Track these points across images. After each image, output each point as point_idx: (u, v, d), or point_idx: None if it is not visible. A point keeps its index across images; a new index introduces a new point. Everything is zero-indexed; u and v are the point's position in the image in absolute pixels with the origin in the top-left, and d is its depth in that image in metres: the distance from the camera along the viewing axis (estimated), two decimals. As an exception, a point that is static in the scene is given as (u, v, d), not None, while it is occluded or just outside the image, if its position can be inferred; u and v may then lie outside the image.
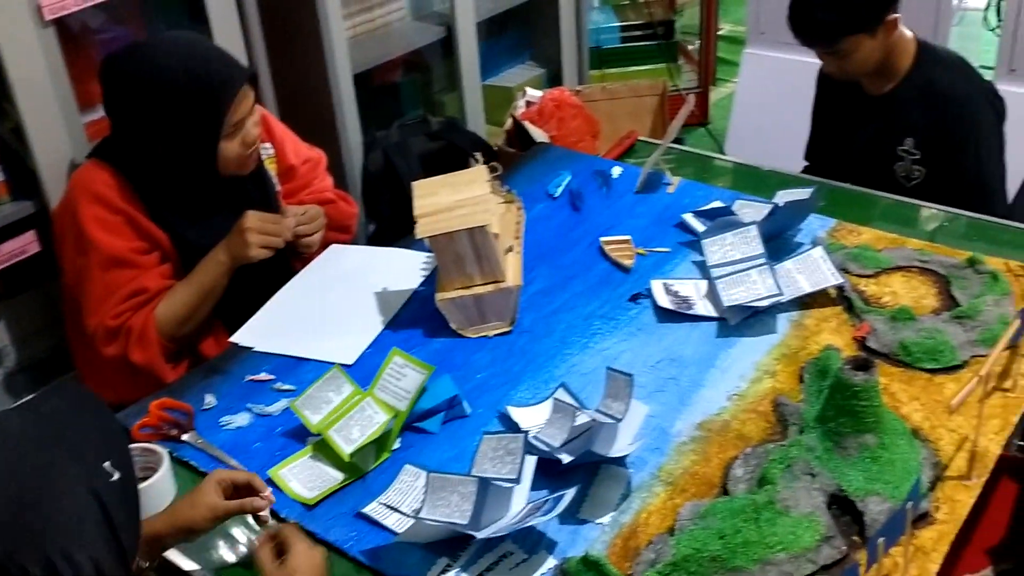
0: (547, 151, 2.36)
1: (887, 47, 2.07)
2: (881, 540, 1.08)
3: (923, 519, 1.27)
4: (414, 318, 1.77)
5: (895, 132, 2.13)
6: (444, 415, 1.50)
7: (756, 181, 2.19)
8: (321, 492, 1.38)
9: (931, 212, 2.02)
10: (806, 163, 2.46)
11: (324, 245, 1.96)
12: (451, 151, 2.90)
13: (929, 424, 1.43)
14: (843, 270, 1.76)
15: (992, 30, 3.31)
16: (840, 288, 1.71)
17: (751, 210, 1.90)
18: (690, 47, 3.97)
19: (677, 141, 3.12)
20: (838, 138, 2.30)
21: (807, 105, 2.42)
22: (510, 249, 1.76)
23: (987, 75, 2.92)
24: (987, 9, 3.50)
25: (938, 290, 1.72)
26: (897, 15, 2.03)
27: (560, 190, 2.13)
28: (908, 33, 2.10)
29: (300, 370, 1.66)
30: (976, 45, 3.49)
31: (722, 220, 1.84)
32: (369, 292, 1.83)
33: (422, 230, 1.63)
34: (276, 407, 1.57)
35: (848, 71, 2.13)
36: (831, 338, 1.62)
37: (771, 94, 3.24)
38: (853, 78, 2.16)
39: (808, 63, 3.11)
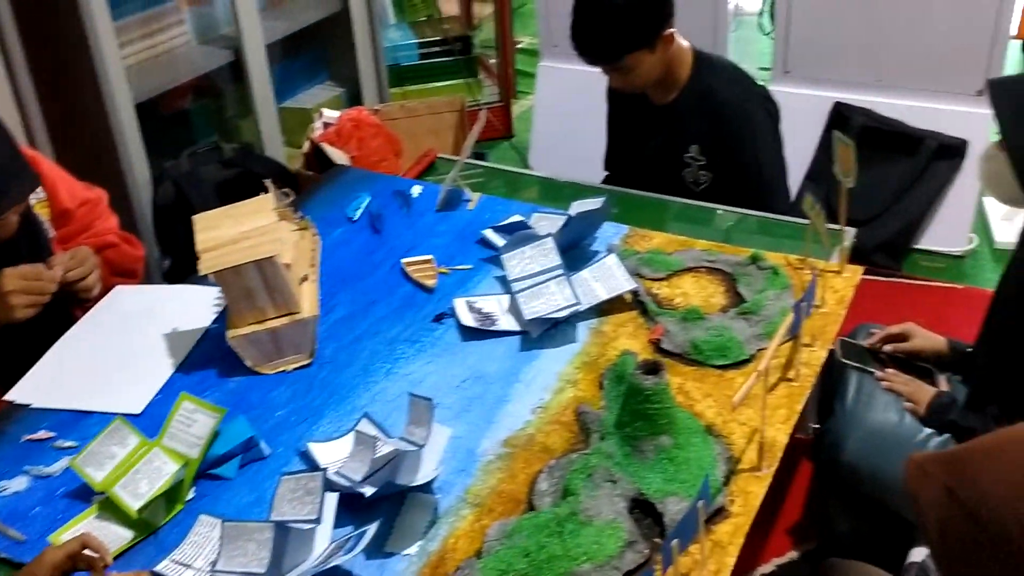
0: (345, 173, 2.32)
1: (667, 59, 2.14)
2: (675, 542, 1.10)
3: (719, 514, 1.31)
4: (207, 358, 1.68)
5: (680, 140, 2.20)
6: (240, 459, 1.44)
7: (556, 193, 2.23)
8: (110, 553, 1.29)
9: (718, 213, 2.10)
10: (606, 172, 2.52)
11: (108, 290, 1.85)
12: (247, 178, 2.80)
13: (722, 419, 1.48)
14: (636, 275, 1.80)
15: (767, 34, 3.50)
16: (635, 293, 1.75)
17: (547, 222, 1.93)
18: (491, 61, 4.01)
19: (479, 156, 3.15)
20: (630, 147, 2.37)
21: (603, 115, 2.47)
22: (305, 278, 1.71)
23: (765, 76, 3.10)
24: (761, 14, 3.70)
25: (725, 288, 1.79)
26: (673, 29, 2.09)
27: (359, 213, 2.10)
28: (685, 43, 2.18)
29: (83, 425, 1.55)
30: (754, 49, 3.68)
31: (520, 234, 1.85)
32: (157, 334, 1.74)
33: (206, 266, 1.55)
34: (57, 467, 1.46)
35: (633, 84, 2.18)
36: (628, 343, 1.66)
37: (568, 105, 3.30)
38: (639, 90, 2.22)
39: (601, 74, 3.20)
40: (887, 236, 2.82)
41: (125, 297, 1.86)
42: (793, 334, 1.50)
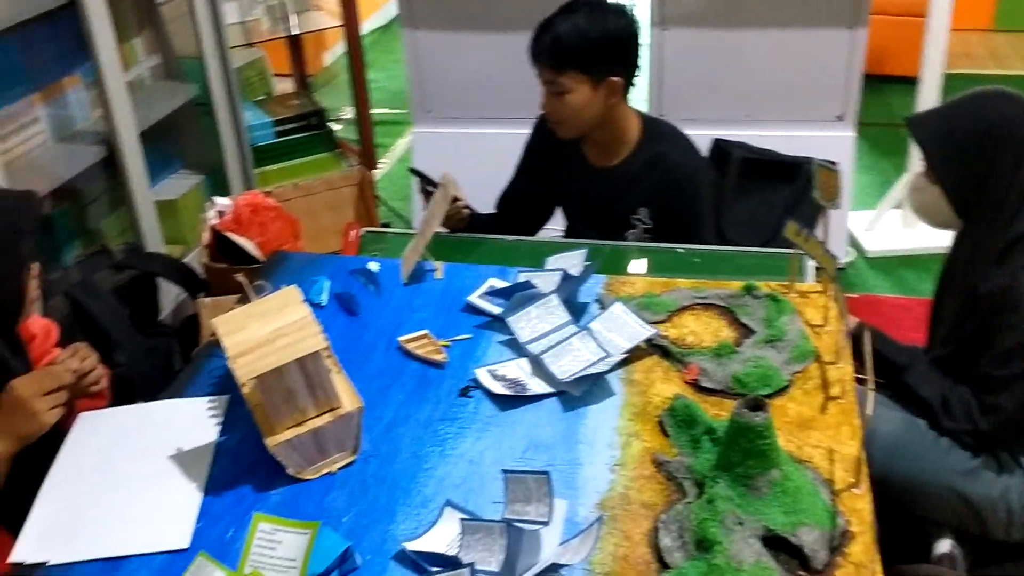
0: (286, 259, 2.18)
1: (608, 114, 2.17)
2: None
3: (845, 536, 1.33)
4: (232, 475, 1.52)
5: (630, 202, 2.25)
6: (337, 574, 1.30)
7: (504, 253, 2.21)
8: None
9: (670, 251, 2.16)
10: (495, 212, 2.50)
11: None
12: (142, 280, 2.59)
13: (795, 446, 1.50)
14: (640, 320, 1.81)
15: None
16: (648, 338, 1.76)
17: (539, 281, 1.90)
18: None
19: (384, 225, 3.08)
20: (569, 206, 2.40)
21: (480, 171, 2.47)
22: (329, 370, 1.59)
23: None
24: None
25: (728, 321, 1.84)
26: (619, 80, 2.14)
27: (325, 297, 1.98)
28: (632, 109, 2.24)
29: (123, 572, 1.35)
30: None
31: (520, 295, 1.81)
32: (161, 458, 1.55)
33: (244, 372, 1.41)
34: (118, 627, 1.26)
35: (560, 115, 2.18)
36: (666, 386, 1.66)
37: (445, 166, 3.30)
38: (562, 129, 2.22)
39: (473, 133, 3.23)
40: (778, 258, 2.99)
41: (97, 424, 1.65)
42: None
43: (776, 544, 1.32)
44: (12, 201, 1.51)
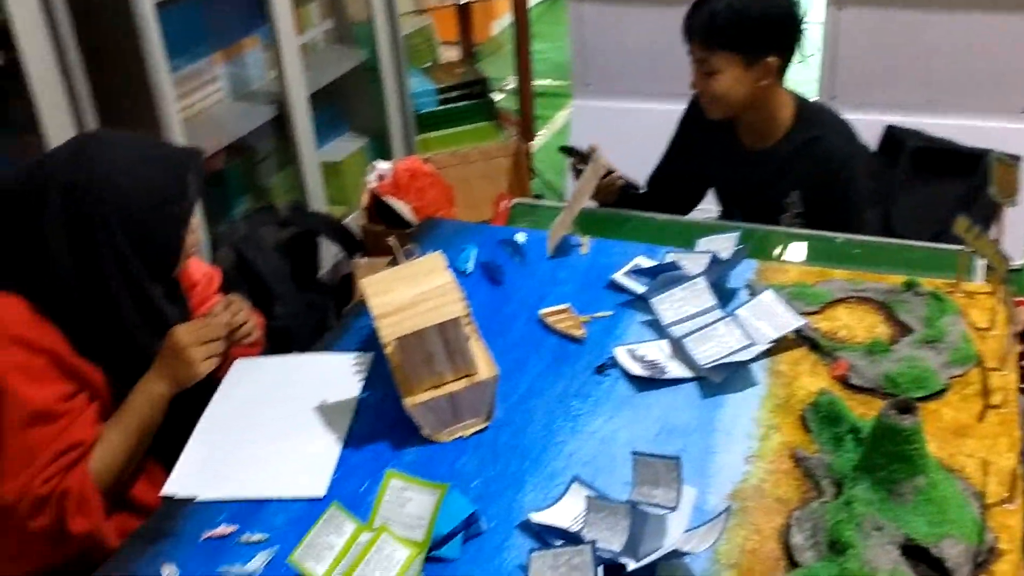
0: (437, 225, 2.22)
1: (760, 96, 2.11)
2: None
3: (992, 553, 1.25)
4: (371, 431, 1.57)
5: (781, 185, 2.18)
6: (462, 536, 1.33)
7: (654, 232, 2.18)
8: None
9: (827, 240, 2.07)
10: (644, 190, 2.46)
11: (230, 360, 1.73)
12: (304, 237, 2.70)
13: (947, 453, 1.42)
14: (790, 310, 1.75)
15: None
16: (797, 329, 1.70)
17: (687, 262, 1.86)
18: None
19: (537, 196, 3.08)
20: (718, 186, 2.35)
21: (637, 147, 2.43)
22: (467, 337, 1.61)
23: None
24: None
25: (884, 317, 1.75)
26: (774, 62, 2.07)
27: (471, 265, 2.00)
28: (787, 92, 2.17)
29: (264, 513, 1.41)
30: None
31: (666, 276, 1.78)
32: (306, 408, 1.62)
33: (388, 332, 1.45)
34: (255, 565, 1.32)
35: (709, 93, 2.13)
36: (812, 380, 1.60)
37: (603, 141, 3.27)
38: (711, 108, 2.17)
39: (632, 108, 3.19)
40: (948, 254, 2.83)
41: (250, 371, 1.73)
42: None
43: (916, 554, 1.25)
44: (179, 155, 1.59)
